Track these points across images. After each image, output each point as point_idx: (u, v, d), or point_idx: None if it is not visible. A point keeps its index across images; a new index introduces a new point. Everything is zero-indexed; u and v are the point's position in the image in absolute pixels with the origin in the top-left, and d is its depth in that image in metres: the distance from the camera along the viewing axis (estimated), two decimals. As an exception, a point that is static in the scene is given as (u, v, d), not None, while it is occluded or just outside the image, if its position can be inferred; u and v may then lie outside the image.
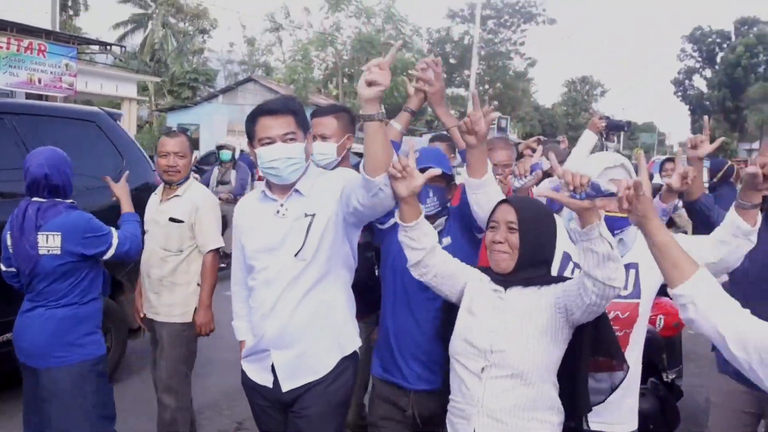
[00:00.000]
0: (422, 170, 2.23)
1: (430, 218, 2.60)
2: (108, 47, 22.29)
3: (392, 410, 2.72)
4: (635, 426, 2.52)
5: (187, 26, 38.37)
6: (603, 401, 2.25)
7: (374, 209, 2.32)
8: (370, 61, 2.15)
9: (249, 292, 2.64)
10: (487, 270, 2.31)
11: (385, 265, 2.77)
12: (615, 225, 2.22)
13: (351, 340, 2.61)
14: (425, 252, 2.24)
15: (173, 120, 29.54)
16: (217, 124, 28.30)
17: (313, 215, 2.46)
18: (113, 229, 3.04)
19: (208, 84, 34.78)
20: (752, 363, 1.64)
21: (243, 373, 2.69)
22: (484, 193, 2.45)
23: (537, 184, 3.40)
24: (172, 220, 3.67)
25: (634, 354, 2.43)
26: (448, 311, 2.37)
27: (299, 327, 2.48)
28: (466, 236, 2.71)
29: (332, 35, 27.99)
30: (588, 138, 4.09)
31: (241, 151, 10.64)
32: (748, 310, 1.72)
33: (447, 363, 2.35)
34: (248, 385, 2.67)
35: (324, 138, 3.05)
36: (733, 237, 2.37)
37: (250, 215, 2.63)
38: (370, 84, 2.13)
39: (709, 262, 2.35)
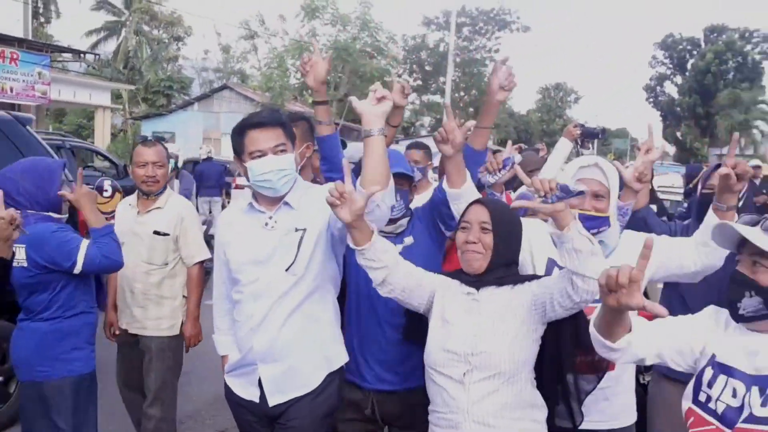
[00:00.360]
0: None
1: (394, 220, 2.65)
2: (81, 55, 22.04)
3: (354, 412, 2.75)
4: (634, 418, 2.55)
5: (161, 34, 38.08)
6: (593, 389, 2.26)
7: None
8: (375, 84, 2.23)
9: (233, 305, 2.60)
10: (455, 274, 2.31)
11: (349, 269, 2.76)
12: (588, 225, 2.22)
13: (338, 355, 2.60)
14: (388, 270, 2.22)
15: (148, 128, 29.31)
16: (192, 131, 28.17)
17: (304, 230, 2.45)
18: (85, 244, 2.85)
19: (183, 92, 34.54)
20: (668, 363, 1.93)
21: (227, 388, 2.65)
22: (465, 202, 2.46)
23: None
24: (156, 233, 3.60)
25: None
26: (411, 314, 2.39)
27: (288, 341, 2.46)
28: (429, 236, 2.75)
29: (308, 43, 27.97)
30: (563, 146, 4.16)
31: (184, 161, 10.34)
32: (658, 322, 1.91)
33: (406, 364, 2.39)
34: (233, 400, 2.63)
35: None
36: (712, 236, 2.40)
37: (235, 228, 2.59)
38: (381, 99, 2.21)
39: (692, 270, 2.42)
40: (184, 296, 3.73)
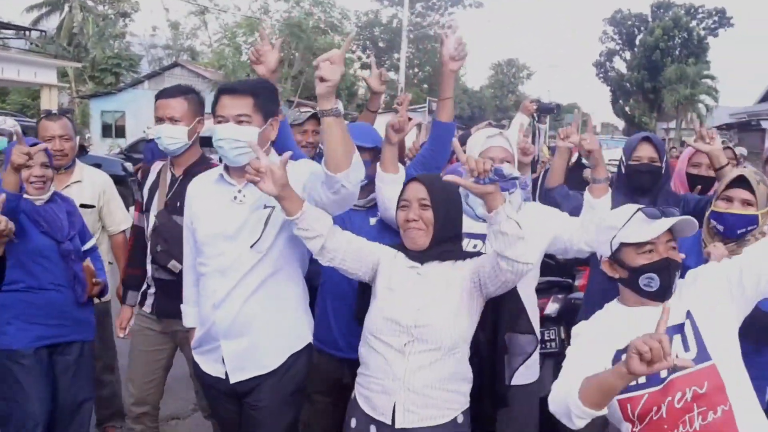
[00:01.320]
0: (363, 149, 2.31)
1: (360, 192, 2.67)
2: (27, 32, 21.31)
3: (327, 385, 2.82)
4: (535, 377, 2.74)
5: (107, 9, 37.00)
6: (519, 366, 2.36)
7: (339, 205, 2.30)
8: (321, 56, 2.15)
9: (198, 277, 2.59)
10: (401, 247, 2.34)
11: None
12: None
13: (302, 336, 2.57)
14: (323, 238, 2.24)
15: (96, 107, 28.68)
16: (143, 110, 27.52)
17: (273, 207, 2.40)
18: None
19: (132, 69, 33.73)
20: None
21: (195, 365, 2.64)
22: (395, 189, 2.54)
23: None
24: (83, 206, 3.60)
25: (528, 308, 2.57)
26: (362, 292, 2.41)
27: (249, 319, 2.45)
28: None
29: (260, 19, 27.57)
30: (521, 120, 4.30)
31: (137, 140, 10.05)
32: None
33: None
34: (201, 377, 2.64)
35: (174, 121, 2.97)
36: (590, 210, 2.65)
37: (204, 198, 2.56)
38: (321, 80, 2.13)
39: (575, 247, 2.63)
40: (110, 263, 3.85)
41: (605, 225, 2.09)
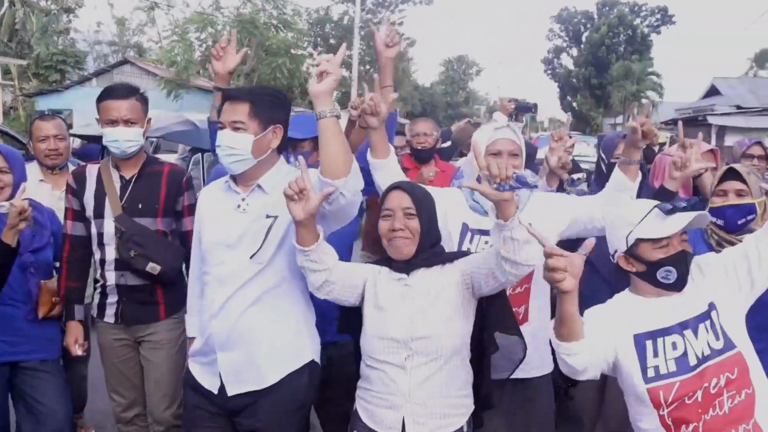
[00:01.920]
0: (303, 140, 2.31)
1: None
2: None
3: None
4: (550, 368, 2.70)
5: (50, 4, 36.01)
6: (508, 377, 2.35)
7: (336, 218, 2.27)
8: (321, 55, 2.11)
9: (202, 287, 2.53)
10: (384, 261, 2.31)
11: None
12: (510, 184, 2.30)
13: (303, 353, 2.47)
14: (329, 272, 2.20)
15: (43, 105, 27.88)
16: (91, 108, 26.81)
17: (275, 217, 2.35)
18: None
19: (77, 66, 32.94)
20: (605, 369, 2.10)
21: (188, 372, 2.58)
22: (388, 172, 2.58)
23: None
24: None
25: (538, 303, 2.64)
26: (344, 310, 2.38)
27: (246, 331, 2.38)
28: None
29: (212, 15, 27.23)
30: (498, 119, 4.46)
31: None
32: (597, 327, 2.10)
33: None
34: (191, 386, 2.54)
35: (130, 123, 2.89)
36: (617, 192, 2.61)
37: (212, 205, 2.53)
38: (320, 76, 2.09)
39: (601, 225, 2.60)
40: None
41: (621, 222, 2.16)
